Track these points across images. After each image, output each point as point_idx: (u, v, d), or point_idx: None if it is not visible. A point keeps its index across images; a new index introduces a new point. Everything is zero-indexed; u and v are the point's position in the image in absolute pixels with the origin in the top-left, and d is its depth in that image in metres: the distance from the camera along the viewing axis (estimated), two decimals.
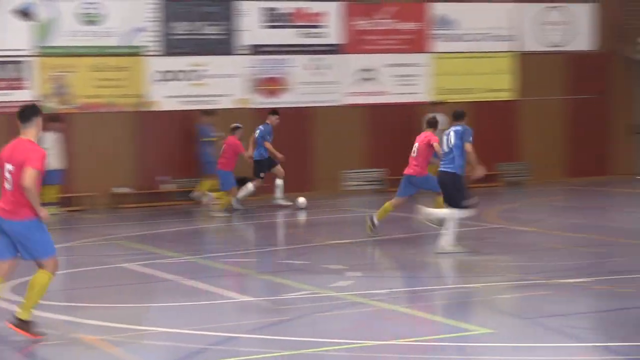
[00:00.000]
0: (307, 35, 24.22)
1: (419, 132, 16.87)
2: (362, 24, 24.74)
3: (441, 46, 25.39)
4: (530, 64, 26.05)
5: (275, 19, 23.86)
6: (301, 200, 20.89)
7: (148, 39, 22.60)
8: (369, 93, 24.68)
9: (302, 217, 20.27)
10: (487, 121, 25.22)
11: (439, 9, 25.26)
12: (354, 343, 9.38)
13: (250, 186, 20.68)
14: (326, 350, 9.15)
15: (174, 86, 22.81)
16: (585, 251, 14.98)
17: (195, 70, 23.03)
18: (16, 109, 10.01)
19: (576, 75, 26.52)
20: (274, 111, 21.34)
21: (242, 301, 11.75)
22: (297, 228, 19.62)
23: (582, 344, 9.32)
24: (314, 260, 14.39)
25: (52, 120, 19.96)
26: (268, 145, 20.80)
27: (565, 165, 26.00)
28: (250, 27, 23.50)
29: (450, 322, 10.11)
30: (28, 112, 9.78)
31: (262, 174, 20.82)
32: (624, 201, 22.47)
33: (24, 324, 9.63)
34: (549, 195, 21.48)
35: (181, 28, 22.95)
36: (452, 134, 14.57)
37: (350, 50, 24.62)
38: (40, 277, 9.64)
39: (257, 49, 23.63)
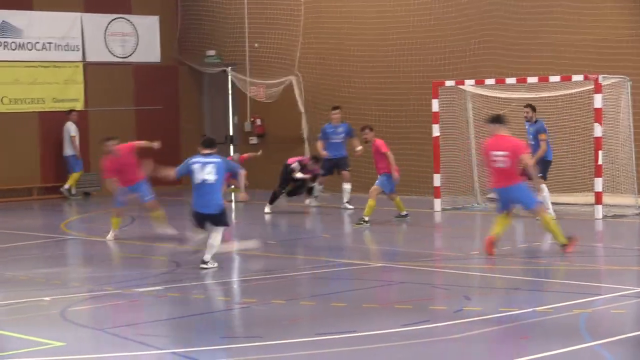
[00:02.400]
0: None
1: None
2: None
3: (4, 54, 24.81)
4: (98, 75, 26.11)
5: None
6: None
7: None
8: None
9: None
10: (57, 133, 25.03)
11: (1, 15, 24.65)
12: None
13: None
14: None
15: None
16: (160, 260, 15.26)
17: None
18: None
19: (143, 87, 26.91)
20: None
21: None
22: None
23: (155, 351, 9.51)
24: None
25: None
26: None
27: None
28: None
29: (24, 337, 9.94)
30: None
31: None
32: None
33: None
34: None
35: None
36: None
37: None
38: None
39: None
